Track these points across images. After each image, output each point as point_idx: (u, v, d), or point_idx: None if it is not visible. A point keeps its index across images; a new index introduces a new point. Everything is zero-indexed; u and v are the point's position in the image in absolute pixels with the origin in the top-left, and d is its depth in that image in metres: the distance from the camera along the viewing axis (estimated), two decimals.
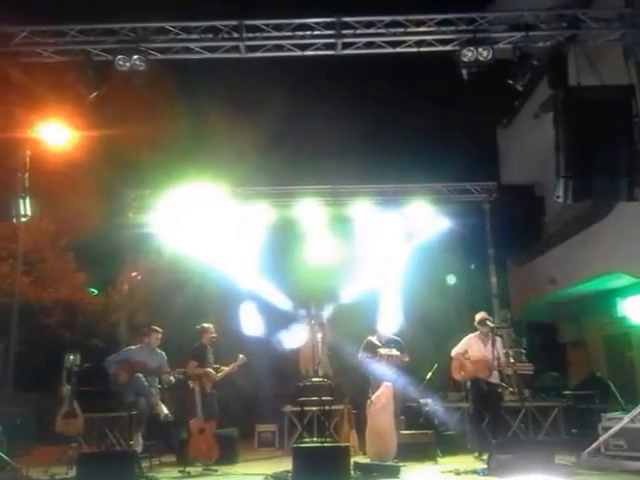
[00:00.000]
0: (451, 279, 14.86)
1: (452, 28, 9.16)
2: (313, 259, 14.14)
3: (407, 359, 10.60)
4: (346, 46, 9.43)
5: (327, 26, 9.30)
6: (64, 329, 16.30)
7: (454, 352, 10.27)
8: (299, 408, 11.61)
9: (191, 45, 9.48)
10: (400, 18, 9.18)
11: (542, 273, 16.19)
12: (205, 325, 10.60)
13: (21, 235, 13.08)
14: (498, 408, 10.07)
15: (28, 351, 14.11)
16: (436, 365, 11.67)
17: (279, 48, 9.49)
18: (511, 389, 11.01)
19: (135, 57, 9.08)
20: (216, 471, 9.21)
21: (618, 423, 8.66)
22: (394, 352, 10.39)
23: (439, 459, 9.99)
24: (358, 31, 9.30)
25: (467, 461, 9.51)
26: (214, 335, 10.57)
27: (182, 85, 15.31)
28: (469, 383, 10.31)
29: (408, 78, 16.92)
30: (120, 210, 14.39)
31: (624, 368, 14.93)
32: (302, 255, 14.22)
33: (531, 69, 9.03)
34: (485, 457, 8.66)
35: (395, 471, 8.54)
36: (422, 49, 9.40)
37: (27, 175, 10.11)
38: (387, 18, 9.20)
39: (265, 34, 9.33)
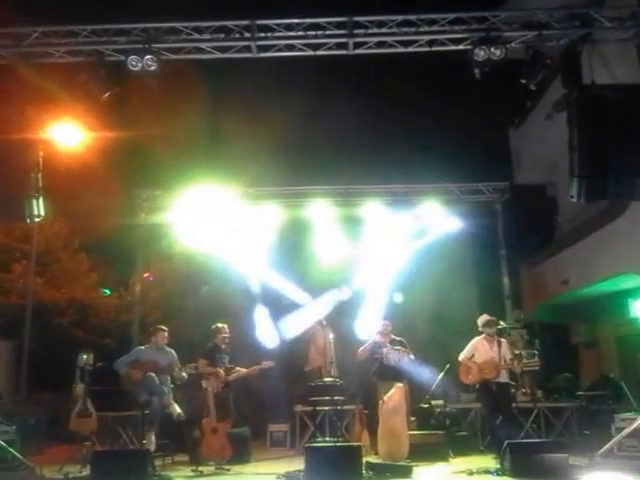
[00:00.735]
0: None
1: (464, 27, 9.12)
2: (324, 259, 14.14)
3: (412, 357, 10.65)
4: (358, 46, 9.41)
5: (339, 26, 9.28)
6: (77, 329, 16.39)
7: (461, 356, 10.24)
8: (311, 408, 11.61)
9: (203, 45, 9.49)
10: (412, 17, 9.15)
11: (555, 274, 16.12)
12: (219, 325, 10.67)
13: (34, 236, 13.17)
14: (510, 408, 10.01)
15: (41, 350, 14.20)
16: (448, 366, 11.64)
17: (291, 48, 9.47)
18: (523, 389, 10.99)
19: (147, 57, 9.09)
20: (229, 470, 9.21)
21: (631, 424, 8.62)
22: (399, 349, 10.47)
23: (451, 459, 9.98)
24: (370, 30, 9.27)
25: (480, 461, 9.48)
26: (226, 335, 10.63)
27: (194, 86, 15.31)
28: (478, 386, 10.25)
29: (420, 78, 16.84)
30: (132, 210, 14.42)
31: (636, 369, 14.79)
32: (313, 255, 14.22)
33: (544, 68, 8.99)
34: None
35: (407, 471, 8.52)
36: (434, 48, 9.37)
37: (40, 175, 10.16)
38: (399, 17, 9.17)
39: (277, 34, 9.32)
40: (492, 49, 8.85)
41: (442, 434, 10.49)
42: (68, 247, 18.01)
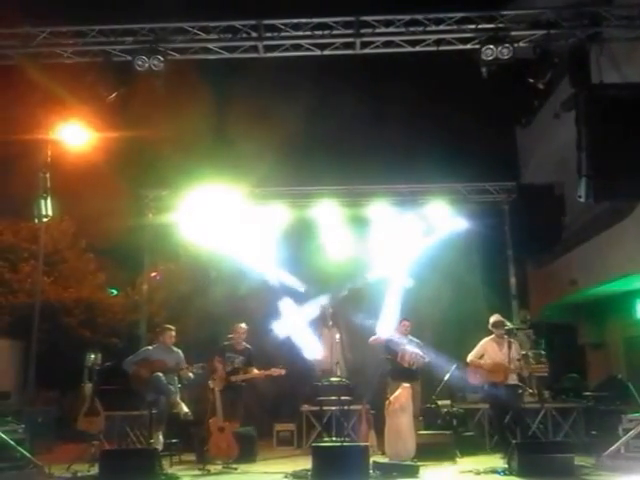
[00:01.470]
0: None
1: (472, 26, 9.08)
2: (331, 259, 14.14)
3: (427, 360, 10.63)
4: (365, 45, 9.38)
5: (346, 25, 9.25)
6: (84, 329, 16.45)
7: (470, 357, 10.21)
8: (318, 408, 11.65)
9: (210, 45, 9.49)
10: (419, 17, 9.12)
11: (562, 274, 16.08)
12: (236, 325, 10.72)
13: (42, 236, 13.18)
14: (518, 409, 9.98)
15: (49, 350, 14.24)
16: (454, 366, 11.63)
17: (298, 48, 9.45)
18: (530, 390, 10.96)
19: (154, 57, 9.10)
20: (235, 469, 9.24)
21: (638, 425, 8.59)
22: (417, 351, 10.45)
23: (458, 459, 9.97)
24: (377, 30, 9.24)
25: (487, 461, 9.46)
26: (239, 335, 10.63)
27: (201, 86, 15.35)
28: (486, 386, 10.22)
29: (427, 77, 16.83)
30: (139, 210, 14.42)
31: None
32: (320, 255, 14.22)
33: (552, 67, 8.96)
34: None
35: (414, 471, 8.52)
36: (442, 48, 9.34)
37: (48, 176, 10.20)
38: (406, 17, 9.14)
39: (283, 34, 9.30)
40: (500, 48, 8.82)
41: (449, 434, 10.49)
42: (75, 247, 18.11)
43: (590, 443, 10.57)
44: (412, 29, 9.20)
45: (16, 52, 9.38)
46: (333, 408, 11.52)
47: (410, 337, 10.95)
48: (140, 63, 9.10)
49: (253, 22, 9.27)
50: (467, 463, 9.52)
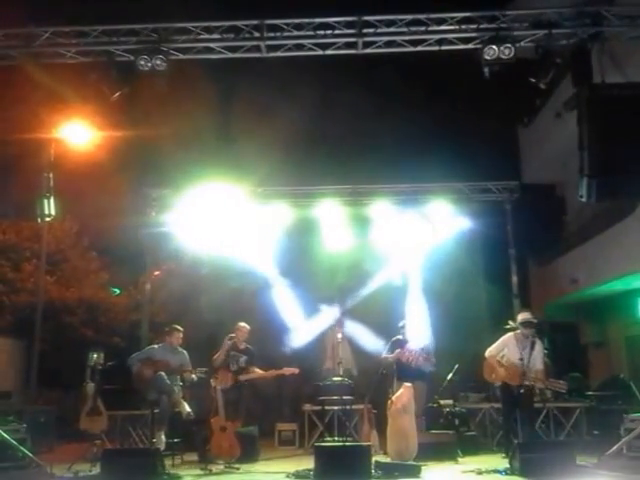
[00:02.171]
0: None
1: (474, 26, 9.09)
2: (333, 259, 14.16)
3: (433, 360, 10.61)
4: (367, 45, 9.39)
5: (348, 25, 9.27)
6: (87, 328, 16.45)
7: (488, 353, 9.70)
8: (320, 407, 11.66)
9: (212, 45, 9.50)
10: (421, 16, 9.13)
11: (564, 273, 16.09)
12: (238, 324, 10.72)
13: (44, 235, 13.20)
14: (529, 411, 9.75)
15: (51, 349, 14.27)
16: (456, 366, 11.64)
17: (300, 47, 9.47)
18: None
19: (156, 57, 9.12)
20: (238, 469, 9.23)
21: None
22: (417, 350, 10.43)
23: (460, 459, 9.97)
24: (379, 30, 9.25)
25: (489, 461, 9.46)
26: (241, 334, 10.63)
27: (204, 85, 15.36)
28: (500, 383, 10.08)
29: (429, 77, 16.85)
30: (142, 209, 14.44)
31: None
32: (322, 255, 14.24)
33: (554, 67, 8.96)
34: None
35: (416, 470, 8.50)
36: (443, 47, 9.35)
37: (52, 175, 10.22)
38: (408, 17, 9.15)
39: (286, 33, 9.32)
40: (501, 48, 8.83)
41: (451, 434, 10.50)
42: (78, 246, 18.10)
43: (592, 443, 10.58)
44: (414, 29, 9.22)
45: (19, 52, 9.41)
46: (335, 408, 11.55)
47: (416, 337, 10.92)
48: (143, 63, 9.12)
49: (255, 22, 9.29)
50: (469, 463, 9.51)
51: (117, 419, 11.41)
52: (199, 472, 9.10)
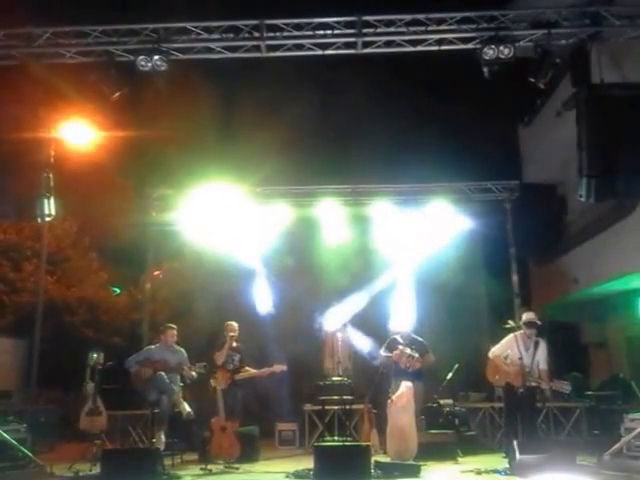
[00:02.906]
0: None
1: (473, 26, 9.13)
2: (334, 258, 14.16)
3: (433, 359, 10.59)
4: (366, 45, 9.43)
5: (347, 25, 9.31)
6: (87, 327, 16.45)
7: (492, 353, 9.62)
8: (320, 407, 11.68)
9: (212, 45, 9.54)
10: (421, 16, 9.16)
11: (564, 273, 16.06)
12: (228, 323, 10.68)
13: (45, 234, 13.20)
14: (530, 413, 9.72)
15: (52, 349, 14.25)
16: (456, 365, 11.65)
17: (299, 47, 9.50)
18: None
19: (156, 57, 9.14)
20: (237, 469, 9.23)
21: None
22: (414, 353, 10.41)
23: (459, 459, 9.97)
24: (379, 30, 9.29)
25: (488, 461, 9.46)
26: (234, 334, 10.60)
27: (205, 85, 15.36)
28: (504, 384, 10.06)
29: (429, 77, 16.85)
30: (143, 209, 14.45)
31: None
32: (323, 254, 14.25)
33: (553, 67, 8.97)
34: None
35: (415, 470, 8.52)
36: (443, 47, 9.38)
37: (51, 175, 10.22)
38: (408, 17, 9.18)
39: (285, 33, 9.36)
40: (501, 48, 8.86)
41: (451, 434, 10.51)
42: (78, 246, 18.10)
43: (592, 442, 10.58)
44: (413, 29, 9.26)
45: (19, 52, 9.44)
46: (335, 407, 11.55)
47: (413, 336, 10.89)
48: (143, 63, 9.16)
49: (255, 22, 9.33)
50: (469, 463, 9.52)
51: (117, 419, 11.42)
52: (199, 472, 9.10)
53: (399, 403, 9.65)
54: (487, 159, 16.99)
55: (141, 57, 9.14)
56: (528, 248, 15.17)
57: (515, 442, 8.42)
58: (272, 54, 9.58)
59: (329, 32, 9.35)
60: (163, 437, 9.67)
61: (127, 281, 18.12)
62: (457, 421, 11.12)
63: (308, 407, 12.05)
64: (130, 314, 17.25)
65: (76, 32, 9.45)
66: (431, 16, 9.17)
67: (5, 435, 8.68)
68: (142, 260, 14.85)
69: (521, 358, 9.23)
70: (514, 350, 9.49)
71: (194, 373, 10.12)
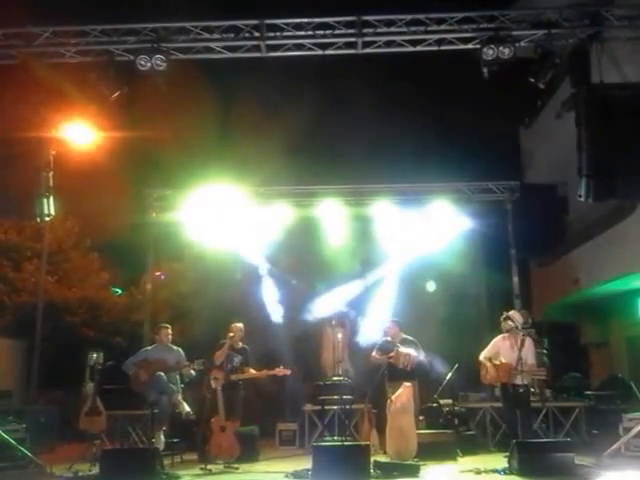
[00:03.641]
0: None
1: (473, 26, 9.11)
2: (335, 258, 14.17)
3: (422, 358, 10.62)
4: (367, 45, 9.41)
5: (348, 25, 9.29)
6: (88, 328, 16.48)
7: (482, 356, 9.91)
8: (320, 407, 11.67)
9: (212, 45, 9.53)
10: (421, 16, 9.15)
11: (565, 273, 16.05)
12: (233, 324, 10.67)
13: (46, 235, 13.22)
14: (524, 410, 9.79)
15: (52, 349, 14.28)
16: (456, 365, 11.64)
17: (300, 47, 9.49)
18: (533, 389, 10.92)
19: (156, 57, 9.13)
20: (237, 469, 9.24)
21: (639, 424, 8.59)
22: (410, 352, 10.43)
23: (459, 459, 9.98)
24: (379, 30, 9.27)
25: (488, 460, 9.46)
26: (235, 334, 10.59)
27: (205, 85, 15.36)
28: (499, 385, 10.12)
29: (429, 77, 16.84)
30: (143, 210, 14.45)
31: None
32: (324, 254, 14.26)
33: (553, 67, 8.96)
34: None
35: (415, 470, 8.51)
36: (443, 47, 9.37)
37: (51, 174, 10.22)
38: (408, 16, 9.17)
39: (286, 33, 9.35)
40: (501, 48, 8.84)
41: (450, 433, 10.51)
42: (79, 246, 18.13)
43: (591, 442, 10.60)
44: (413, 29, 9.24)
45: (19, 51, 9.43)
46: (335, 407, 11.55)
47: (404, 336, 10.90)
48: (143, 63, 9.14)
49: (255, 22, 9.31)
50: (468, 462, 9.51)
51: (117, 419, 11.41)
52: (198, 472, 9.10)
53: (399, 403, 9.66)
54: (488, 159, 16.97)
55: (141, 57, 9.13)
56: (529, 249, 15.17)
57: (514, 442, 8.45)
58: (272, 54, 9.56)
59: (329, 32, 9.33)
60: (162, 437, 9.69)
61: (128, 282, 18.15)
62: (457, 421, 11.12)
63: (308, 407, 12.05)
64: (131, 314, 17.28)
65: (76, 31, 9.45)
66: (431, 16, 9.16)
67: (5, 435, 8.70)
68: (143, 261, 14.86)
69: (514, 357, 9.34)
70: (503, 350, 9.75)
71: (193, 371, 10.12)
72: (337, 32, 9.35)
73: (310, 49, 9.51)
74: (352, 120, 18.26)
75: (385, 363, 10.56)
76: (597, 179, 8.33)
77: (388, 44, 9.39)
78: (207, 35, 9.43)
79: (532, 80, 9.09)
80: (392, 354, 10.45)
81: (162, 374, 9.78)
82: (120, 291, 18.88)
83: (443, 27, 9.20)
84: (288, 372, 10.54)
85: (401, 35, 9.29)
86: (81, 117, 10.98)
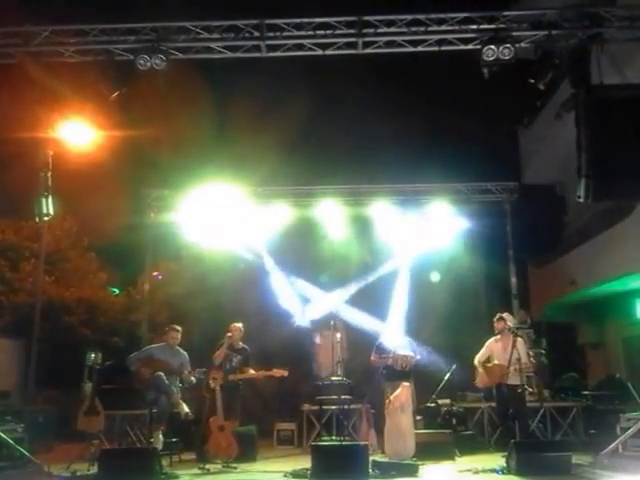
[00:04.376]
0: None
1: (474, 27, 9.10)
2: (333, 258, 14.18)
3: (418, 357, 10.67)
4: (367, 45, 9.40)
5: (348, 25, 9.28)
6: (85, 328, 16.44)
7: (476, 360, 10.11)
8: (318, 407, 11.66)
9: (212, 44, 9.52)
10: (421, 16, 9.15)
11: (562, 274, 16.09)
12: (232, 324, 10.66)
13: (44, 235, 13.20)
14: (519, 410, 9.85)
15: (50, 349, 14.25)
16: (454, 366, 11.65)
17: (300, 47, 9.47)
18: (530, 389, 10.95)
19: (156, 56, 9.12)
20: (235, 468, 9.23)
21: (636, 424, 8.61)
22: (407, 353, 10.47)
23: (457, 458, 9.99)
24: (379, 30, 9.27)
25: (486, 460, 9.46)
26: (233, 334, 10.57)
27: (204, 85, 15.36)
28: (495, 387, 10.18)
29: (429, 78, 16.85)
30: (141, 210, 14.44)
31: None
32: (323, 254, 14.27)
33: (553, 68, 8.97)
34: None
35: (413, 470, 8.53)
36: (443, 48, 9.36)
37: (50, 174, 10.20)
38: (408, 17, 9.17)
39: (286, 33, 9.33)
40: (501, 49, 8.84)
41: (448, 433, 10.52)
42: (77, 246, 18.10)
43: (588, 442, 10.64)
44: (414, 29, 9.23)
45: (18, 50, 9.41)
46: (333, 407, 11.55)
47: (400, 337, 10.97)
48: (142, 62, 9.13)
49: (255, 22, 9.31)
50: (466, 462, 9.53)
51: (115, 419, 11.39)
52: (197, 471, 9.10)
53: (397, 403, 9.68)
54: (486, 160, 17.00)
55: (140, 56, 9.11)
56: (527, 249, 15.18)
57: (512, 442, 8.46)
58: (272, 54, 9.55)
59: (329, 32, 9.32)
60: (161, 437, 9.66)
61: (126, 282, 18.12)
62: (455, 421, 11.16)
63: (307, 407, 12.05)
64: (128, 315, 17.25)
65: (75, 31, 9.42)
66: (432, 16, 9.15)
67: (3, 435, 8.68)
68: (141, 261, 14.84)
69: (506, 357, 9.45)
70: (495, 352, 9.97)
71: (193, 378, 10.09)
72: (337, 32, 9.34)
73: (310, 49, 9.49)
74: (350, 120, 18.28)
75: (384, 364, 10.60)
76: (597, 180, 8.33)
77: (388, 44, 9.38)
78: (207, 35, 9.41)
79: (532, 81, 9.10)
80: (390, 355, 10.50)
81: (162, 374, 9.73)
82: (118, 291, 18.84)
83: (443, 27, 9.19)
84: (285, 374, 10.53)
85: (401, 35, 9.28)
86: (79, 117, 10.98)
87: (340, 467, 7.93)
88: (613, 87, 8.71)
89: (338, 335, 11.88)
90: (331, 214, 14.03)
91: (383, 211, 14.02)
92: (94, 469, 8.63)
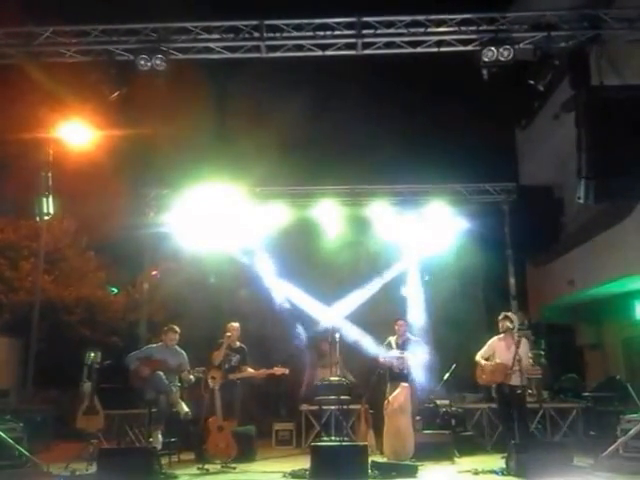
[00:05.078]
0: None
1: (473, 28, 9.13)
2: (332, 259, 14.19)
3: (417, 357, 10.68)
4: (366, 46, 9.43)
5: (348, 26, 9.31)
6: (84, 327, 16.40)
7: (478, 356, 10.04)
8: (317, 407, 11.67)
9: (212, 45, 9.53)
10: (421, 18, 9.17)
11: (560, 274, 16.11)
12: (230, 324, 10.66)
13: (43, 234, 13.19)
14: (520, 410, 9.83)
15: (49, 348, 14.23)
16: (454, 366, 11.66)
17: (299, 48, 9.49)
18: (530, 390, 10.96)
19: (156, 57, 9.13)
20: (234, 469, 9.23)
21: (637, 425, 8.61)
22: (402, 354, 10.50)
23: (456, 459, 9.99)
24: (378, 31, 9.30)
25: (485, 461, 9.48)
26: (231, 334, 10.58)
27: (202, 85, 15.35)
28: (495, 386, 10.18)
29: (427, 79, 16.87)
30: (140, 209, 14.44)
31: None
32: (321, 255, 14.28)
33: (552, 69, 8.99)
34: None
35: (413, 470, 8.53)
36: (442, 49, 9.39)
37: (50, 174, 10.22)
38: (407, 18, 9.19)
39: (285, 34, 9.35)
40: (500, 50, 8.86)
41: (447, 434, 10.51)
42: (76, 245, 18.06)
43: (588, 443, 10.60)
44: (413, 30, 9.26)
45: (18, 51, 9.41)
46: (332, 408, 11.55)
47: (408, 334, 10.98)
48: (142, 62, 9.15)
49: (255, 22, 9.33)
50: (465, 463, 9.54)
51: (114, 418, 11.40)
52: (195, 471, 9.11)
53: (396, 404, 9.69)
54: (485, 161, 17.03)
55: (141, 57, 9.13)
56: (525, 250, 15.21)
57: (512, 442, 8.47)
58: (272, 54, 9.57)
59: (329, 33, 9.35)
60: (160, 436, 9.65)
61: (124, 281, 18.09)
62: (454, 421, 11.13)
63: (305, 407, 12.05)
64: (127, 314, 17.22)
65: (76, 31, 9.44)
66: (431, 17, 9.18)
67: (2, 434, 8.67)
68: (140, 260, 14.84)
69: (509, 357, 9.40)
70: (498, 351, 9.84)
71: (192, 377, 10.10)
72: (337, 33, 9.37)
73: (310, 50, 9.52)
74: (349, 121, 18.30)
75: (385, 365, 10.62)
76: (597, 181, 8.35)
77: (388, 45, 9.40)
78: (207, 35, 9.43)
79: (531, 82, 9.11)
80: (389, 356, 10.53)
81: (161, 373, 9.74)
82: (117, 290, 18.81)
83: (443, 29, 9.22)
84: (286, 371, 10.56)
85: (401, 36, 9.31)
86: (79, 117, 10.99)
87: (339, 468, 7.91)
88: (613, 88, 8.73)
89: (337, 335, 11.88)
90: (329, 214, 14.03)
91: (381, 212, 14.03)
92: (93, 468, 8.64)
